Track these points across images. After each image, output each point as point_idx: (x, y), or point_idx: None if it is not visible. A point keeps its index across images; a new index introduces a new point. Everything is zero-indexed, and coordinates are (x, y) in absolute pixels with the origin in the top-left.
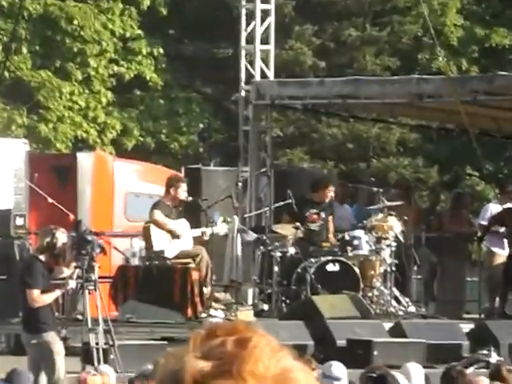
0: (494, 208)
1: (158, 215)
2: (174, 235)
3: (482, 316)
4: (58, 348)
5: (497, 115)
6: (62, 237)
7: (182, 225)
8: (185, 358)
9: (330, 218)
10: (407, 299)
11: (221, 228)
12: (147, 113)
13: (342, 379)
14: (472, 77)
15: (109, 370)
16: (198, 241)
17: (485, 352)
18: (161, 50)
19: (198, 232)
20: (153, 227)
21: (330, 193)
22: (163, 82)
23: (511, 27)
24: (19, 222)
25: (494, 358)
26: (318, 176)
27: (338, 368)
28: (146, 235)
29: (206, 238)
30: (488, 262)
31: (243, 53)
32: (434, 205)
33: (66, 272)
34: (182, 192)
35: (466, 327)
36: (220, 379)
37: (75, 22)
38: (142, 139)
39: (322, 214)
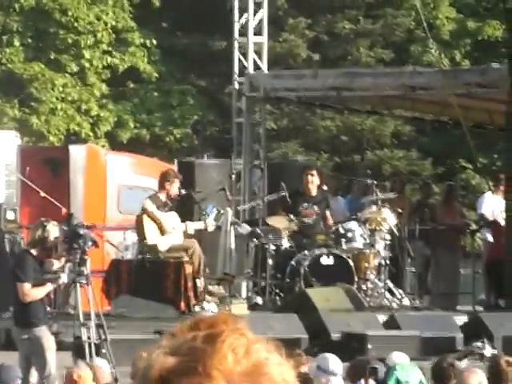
0: (489, 198)
1: (150, 205)
2: (164, 231)
3: (476, 308)
4: (50, 343)
5: (490, 108)
6: (53, 230)
7: (172, 218)
8: (154, 355)
9: (328, 213)
10: (401, 292)
11: (210, 223)
12: (141, 105)
13: (337, 374)
14: (465, 69)
15: (103, 363)
16: (189, 234)
17: (479, 344)
18: (154, 42)
19: (199, 225)
20: (145, 218)
21: (312, 177)
22: (157, 74)
23: (503, 20)
24: (10, 216)
25: (488, 350)
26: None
27: (333, 362)
28: (138, 225)
29: (211, 229)
30: (485, 253)
31: (236, 45)
32: (427, 197)
33: (56, 265)
34: (175, 188)
35: (460, 320)
36: (186, 376)
37: (69, 14)
38: (136, 132)
39: (315, 207)
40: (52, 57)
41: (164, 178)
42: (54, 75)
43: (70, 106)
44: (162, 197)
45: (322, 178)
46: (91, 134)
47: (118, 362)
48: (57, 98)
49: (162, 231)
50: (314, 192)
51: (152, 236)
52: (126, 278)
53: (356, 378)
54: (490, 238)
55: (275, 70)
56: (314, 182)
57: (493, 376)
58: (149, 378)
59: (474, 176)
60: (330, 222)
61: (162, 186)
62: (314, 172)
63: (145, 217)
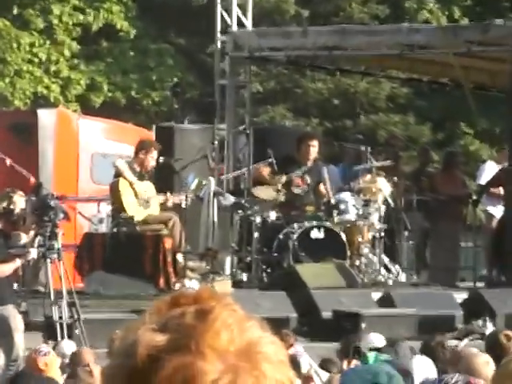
0: (490, 167)
1: (122, 164)
2: (141, 198)
3: (477, 284)
4: (17, 323)
5: (492, 68)
6: (20, 201)
7: (146, 188)
8: (139, 331)
9: (322, 186)
10: (397, 267)
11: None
12: (116, 66)
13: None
14: (465, 26)
15: (70, 346)
16: (168, 205)
17: (480, 323)
18: None
19: (174, 199)
20: (122, 183)
21: (314, 148)
22: (136, 32)
23: None
24: None
25: (489, 329)
26: (302, 132)
27: (376, 339)
28: (114, 193)
29: (175, 203)
30: (486, 225)
31: (219, 0)
32: (425, 165)
33: (25, 239)
34: (152, 159)
35: (460, 297)
36: (176, 354)
37: None
38: (110, 95)
39: (307, 177)
40: (15, 12)
41: (139, 147)
42: (20, 33)
43: (37, 67)
44: (136, 167)
45: (320, 147)
46: (61, 97)
47: (91, 343)
48: (22, 59)
49: (140, 199)
50: (310, 163)
51: (130, 205)
52: (100, 252)
53: (344, 358)
54: (492, 210)
55: (261, 28)
56: (313, 153)
57: (491, 351)
58: (134, 355)
59: (472, 141)
60: (323, 193)
61: (136, 156)
62: (316, 143)
63: (121, 181)
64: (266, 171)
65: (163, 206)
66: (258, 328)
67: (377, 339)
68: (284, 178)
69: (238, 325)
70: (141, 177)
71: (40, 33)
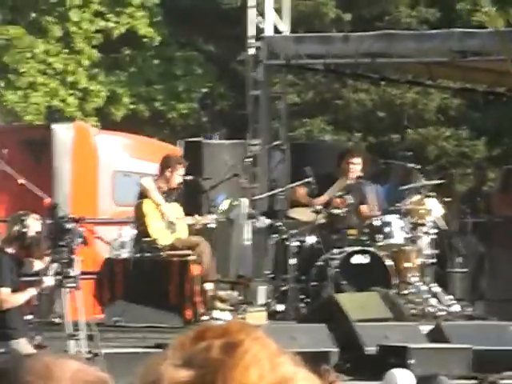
0: None
1: (149, 184)
2: (168, 221)
3: None
4: None
5: None
6: (34, 224)
7: (173, 210)
8: (162, 367)
9: (365, 206)
10: (450, 297)
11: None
12: (139, 76)
13: None
14: None
15: None
16: (196, 228)
17: None
18: (155, 0)
19: (203, 219)
20: (147, 204)
21: (356, 166)
22: (161, 38)
23: None
24: None
25: None
26: (343, 148)
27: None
28: (138, 214)
29: (212, 225)
30: None
31: (252, 3)
32: (480, 184)
33: (39, 265)
34: (178, 177)
35: None
36: None
37: None
38: (132, 107)
39: (349, 197)
40: (32, 18)
41: (164, 165)
42: (34, 41)
43: (52, 78)
44: (163, 186)
45: (365, 165)
46: (78, 111)
47: (113, 380)
48: (38, 70)
49: (168, 222)
50: (352, 181)
51: (156, 229)
52: (121, 280)
53: None
54: None
55: (298, 33)
56: (356, 170)
57: None
58: None
59: None
60: (366, 214)
61: (161, 174)
62: (359, 160)
63: (146, 202)
64: (303, 192)
65: (191, 230)
66: (291, 363)
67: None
68: (321, 217)
69: (270, 360)
70: (167, 197)
71: (57, 41)
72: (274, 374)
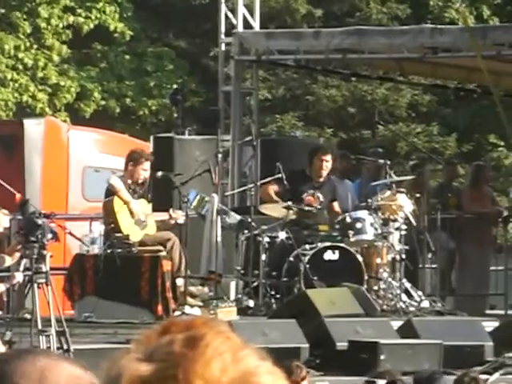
0: None
1: (117, 182)
2: (137, 218)
3: (509, 312)
4: None
5: None
6: (3, 220)
7: (141, 206)
8: (124, 361)
9: (335, 203)
10: (420, 293)
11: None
12: (110, 71)
13: None
14: (496, 27)
15: None
16: (167, 224)
17: None
18: None
19: (165, 215)
20: (117, 201)
21: (327, 163)
22: (131, 33)
23: None
24: None
25: None
26: (314, 145)
27: None
28: (108, 211)
29: (181, 221)
30: None
31: None
32: (451, 180)
33: (9, 261)
34: (143, 171)
35: (490, 326)
36: None
37: None
38: (103, 103)
39: (319, 194)
40: (1, 14)
41: (128, 159)
42: (4, 37)
43: (22, 74)
44: (127, 180)
45: (335, 162)
46: (48, 107)
47: None
48: (6, 66)
49: (136, 218)
50: (323, 178)
51: (126, 226)
52: (92, 276)
53: None
54: None
55: (269, 29)
56: (327, 167)
57: None
58: None
59: (507, 155)
60: (337, 210)
61: (125, 168)
62: (329, 157)
63: (116, 200)
64: (273, 188)
65: (162, 226)
66: (254, 357)
67: None
68: (293, 213)
69: (232, 353)
70: (134, 193)
71: (27, 36)
72: (236, 367)
